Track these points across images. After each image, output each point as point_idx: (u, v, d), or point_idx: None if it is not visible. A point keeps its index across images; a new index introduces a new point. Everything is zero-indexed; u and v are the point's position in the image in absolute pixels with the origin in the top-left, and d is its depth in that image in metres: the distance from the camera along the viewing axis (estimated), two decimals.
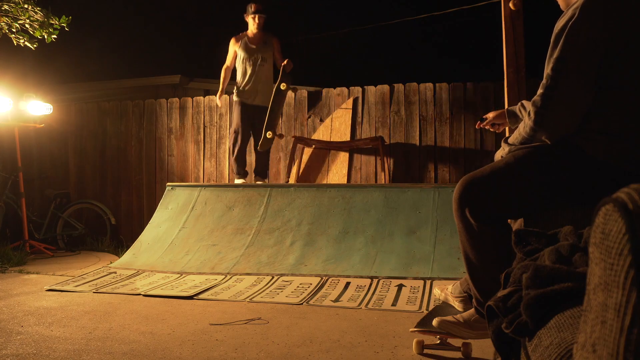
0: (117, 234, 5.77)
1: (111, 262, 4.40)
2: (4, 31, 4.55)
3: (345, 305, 2.99)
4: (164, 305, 3.03)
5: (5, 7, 4.45)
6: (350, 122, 5.44)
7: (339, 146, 5.37)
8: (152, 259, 4.19)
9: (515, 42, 3.77)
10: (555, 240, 1.12)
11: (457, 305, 2.13)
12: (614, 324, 0.51)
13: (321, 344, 2.28)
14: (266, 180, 5.39)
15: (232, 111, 5.42)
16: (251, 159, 5.54)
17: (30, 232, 5.39)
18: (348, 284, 3.46)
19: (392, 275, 3.57)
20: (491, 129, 2.18)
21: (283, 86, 4.99)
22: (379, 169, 5.36)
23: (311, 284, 3.45)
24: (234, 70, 5.29)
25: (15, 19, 4.54)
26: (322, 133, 5.49)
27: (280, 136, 5.25)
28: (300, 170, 5.44)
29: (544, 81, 1.57)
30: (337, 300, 3.11)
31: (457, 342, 2.08)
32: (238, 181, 5.15)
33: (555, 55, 1.54)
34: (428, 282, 3.39)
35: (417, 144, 5.31)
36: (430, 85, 5.33)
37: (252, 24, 5.13)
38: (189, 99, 6.08)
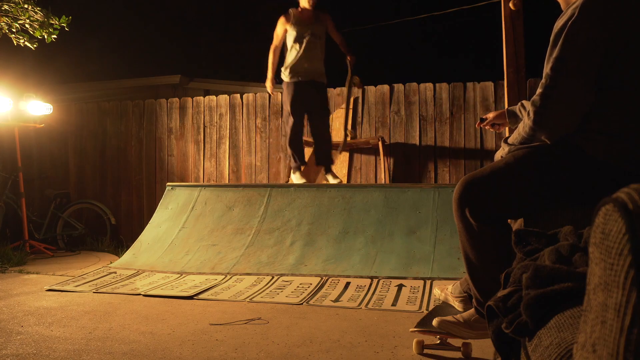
0: (117, 234, 5.77)
1: (111, 262, 4.40)
2: (4, 31, 4.55)
3: (345, 305, 2.99)
4: (164, 305, 3.03)
5: (5, 7, 4.45)
6: (350, 122, 5.45)
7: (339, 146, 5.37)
8: (152, 259, 4.19)
9: (515, 42, 3.78)
10: (555, 240, 1.12)
11: (457, 305, 2.13)
12: (614, 324, 0.51)
13: (321, 344, 2.28)
14: (328, 176, 4.87)
15: (281, 95, 5.00)
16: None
17: (30, 232, 5.39)
18: (348, 284, 3.46)
19: (392, 275, 3.57)
20: (491, 129, 2.18)
21: (356, 79, 4.79)
22: (379, 169, 5.36)
23: (311, 284, 3.45)
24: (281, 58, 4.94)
25: (15, 19, 4.54)
26: None
27: (354, 137, 4.98)
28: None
29: (543, 81, 1.57)
30: (337, 300, 3.11)
31: (457, 342, 2.08)
32: (295, 177, 4.78)
33: (554, 55, 1.54)
34: (428, 282, 3.39)
35: (417, 144, 5.31)
36: (430, 85, 5.33)
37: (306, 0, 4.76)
38: (189, 99, 6.08)
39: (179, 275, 3.81)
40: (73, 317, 2.77)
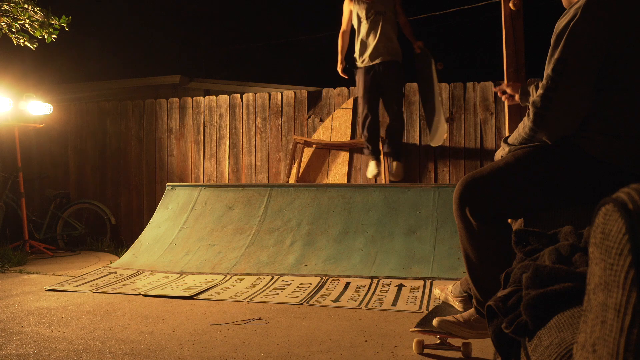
0: (117, 234, 5.77)
1: (111, 262, 4.40)
2: (4, 31, 4.55)
3: (345, 305, 2.99)
4: (164, 305, 3.03)
5: (5, 7, 4.45)
6: (350, 122, 5.44)
7: (339, 146, 5.37)
8: (152, 259, 4.19)
9: (515, 42, 3.77)
10: (555, 240, 1.12)
11: (457, 305, 2.13)
12: (614, 324, 0.51)
13: (321, 344, 2.28)
14: (394, 164, 4.74)
15: (356, 80, 4.78)
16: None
17: (30, 232, 5.39)
18: (348, 284, 3.46)
19: (392, 275, 3.57)
20: (502, 97, 2.19)
21: (440, 65, 4.64)
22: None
23: (311, 284, 3.45)
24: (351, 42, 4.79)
25: (15, 19, 4.54)
26: (322, 133, 5.49)
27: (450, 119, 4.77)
28: (301, 170, 5.44)
29: (543, 82, 1.56)
30: (337, 300, 3.11)
31: (457, 342, 2.08)
32: (372, 166, 4.64)
33: (556, 56, 1.53)
34: (428, 282, 3.39)
35: (417, 143, 5.31)
36: None
37: None
38: (189, 99, 6.08)
39: (179, 275, 3.81)
40: (73, 317, 2.77)
